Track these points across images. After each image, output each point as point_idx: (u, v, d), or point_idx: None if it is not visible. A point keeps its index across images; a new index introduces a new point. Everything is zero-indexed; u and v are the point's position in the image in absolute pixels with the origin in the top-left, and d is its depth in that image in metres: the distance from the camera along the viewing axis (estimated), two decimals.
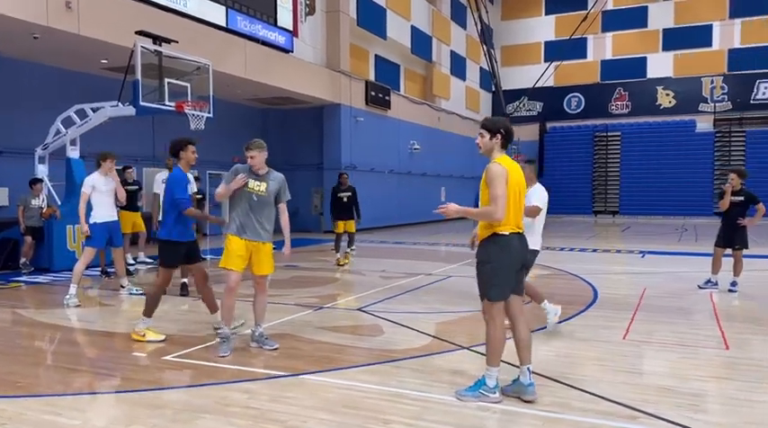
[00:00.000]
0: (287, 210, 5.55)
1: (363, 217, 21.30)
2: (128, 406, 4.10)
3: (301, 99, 18.83)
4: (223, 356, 5.14)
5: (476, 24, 28.08)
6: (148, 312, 5.73)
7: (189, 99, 10.68)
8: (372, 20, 22.28)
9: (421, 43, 26.11)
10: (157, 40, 10.63)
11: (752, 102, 28.94)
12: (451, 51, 29.54)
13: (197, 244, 6.07)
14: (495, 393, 4.08)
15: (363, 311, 7.17)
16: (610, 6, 30.66)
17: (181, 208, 5.66)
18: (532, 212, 5.62)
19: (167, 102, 10.30)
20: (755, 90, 28.90)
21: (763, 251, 12.75)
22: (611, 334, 6.03)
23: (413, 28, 25.25)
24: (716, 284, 8.51)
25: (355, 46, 21.96)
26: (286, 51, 17.50)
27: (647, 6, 30.90)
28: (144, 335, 5.69)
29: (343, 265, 11.52)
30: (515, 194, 4.07)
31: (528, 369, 4.13)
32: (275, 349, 5.36)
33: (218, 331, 5.38)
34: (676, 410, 3.90)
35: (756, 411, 3.95)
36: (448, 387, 4.39)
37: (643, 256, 13.49)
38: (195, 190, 5.65)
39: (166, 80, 10.31)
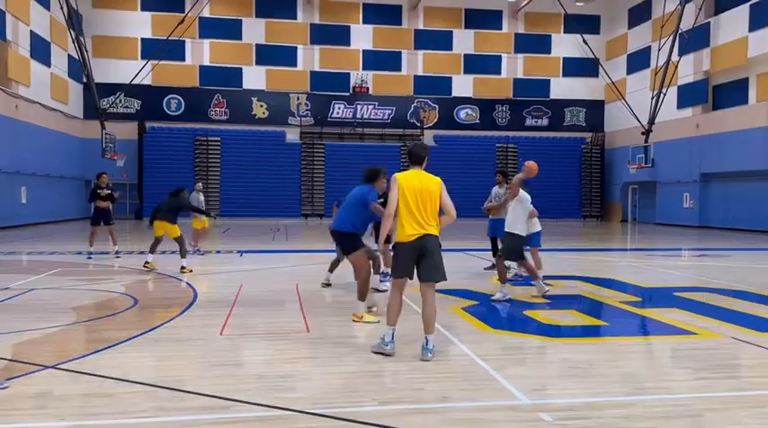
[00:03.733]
0: None
1: None
2: None
3: None
4: None
5: (61, 7, 25.18)
6: (362, 297, 6.68)
7: None
8: None
9: None
10: None
11: (329, 119, 33.82)
12: (32, 32, 25.77)
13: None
14: (388, 346, 5.25)
15: None
16: (206, 14, 31.52)
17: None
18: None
19: None
20: (332, 109, 33.91)
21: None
22: (209, 331, 6.26)
23: None
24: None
25: None
26: None
27: (241, 20, 32.84)
28: (362, 317, 6.62)
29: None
30: (412, 199, 5.19)
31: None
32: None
33: None
34: (266, 392, 4.31)
35: (334, 381, 4.68)
36: (30, 413, 3.87)
37: (242, 255, 14.34)
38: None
39: None
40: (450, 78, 34.72)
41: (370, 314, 6.76)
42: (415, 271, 5.34)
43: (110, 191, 13.51)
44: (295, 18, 33.43)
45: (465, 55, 34.65)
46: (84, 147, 29.92)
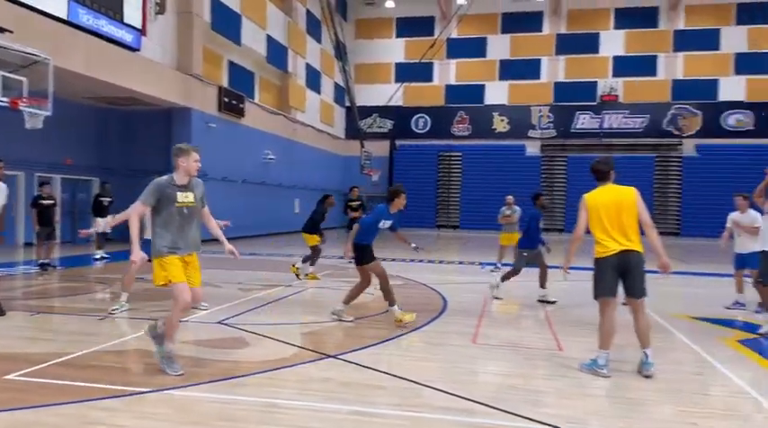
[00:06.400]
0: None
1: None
2: None
3: (147, 100, 17.87)
4: (178, 374, 4.88)
5: (330, 40, 28.63)
6: (392, 301, 7.18)
7: (25, 95, 9.70)
8: (227, 24, 21.81)
9: (277, 53, 26.02)
10: None
11: (572, 130, 32.72)
12: (307, 64, 29.78)
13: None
14: (604, 369, 5.14)
15: (224, 324, 7.04)
16: (454, 35, 32.92)
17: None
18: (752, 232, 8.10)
19: (0, 97, 9.27)
20: (575, 120, 32.75)
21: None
22: (461, 338, 6.55)
23: (268, 37, 25.10)
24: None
25: (209, 50, 21.33)
26: (132, 50, 16.53)
27: (486, 38, 33.64)
28: (401, 320, 6.99)
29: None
30: (605, 215, 5.19)
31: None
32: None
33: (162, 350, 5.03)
34: (523, 405, 4.39)
35: (589, 403, 4.57)
36: (320, 395, 4.52)
37: (483, 267, 14.63)
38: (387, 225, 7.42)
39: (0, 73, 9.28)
40: (716, 81, 31.01)
41: (405, 313, 7.13)
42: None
43: (360, 202, 14.86)
44: (540, 30, 33.14)
45: (736, 54, 30.64)
46: (344, 163, 33.49)
